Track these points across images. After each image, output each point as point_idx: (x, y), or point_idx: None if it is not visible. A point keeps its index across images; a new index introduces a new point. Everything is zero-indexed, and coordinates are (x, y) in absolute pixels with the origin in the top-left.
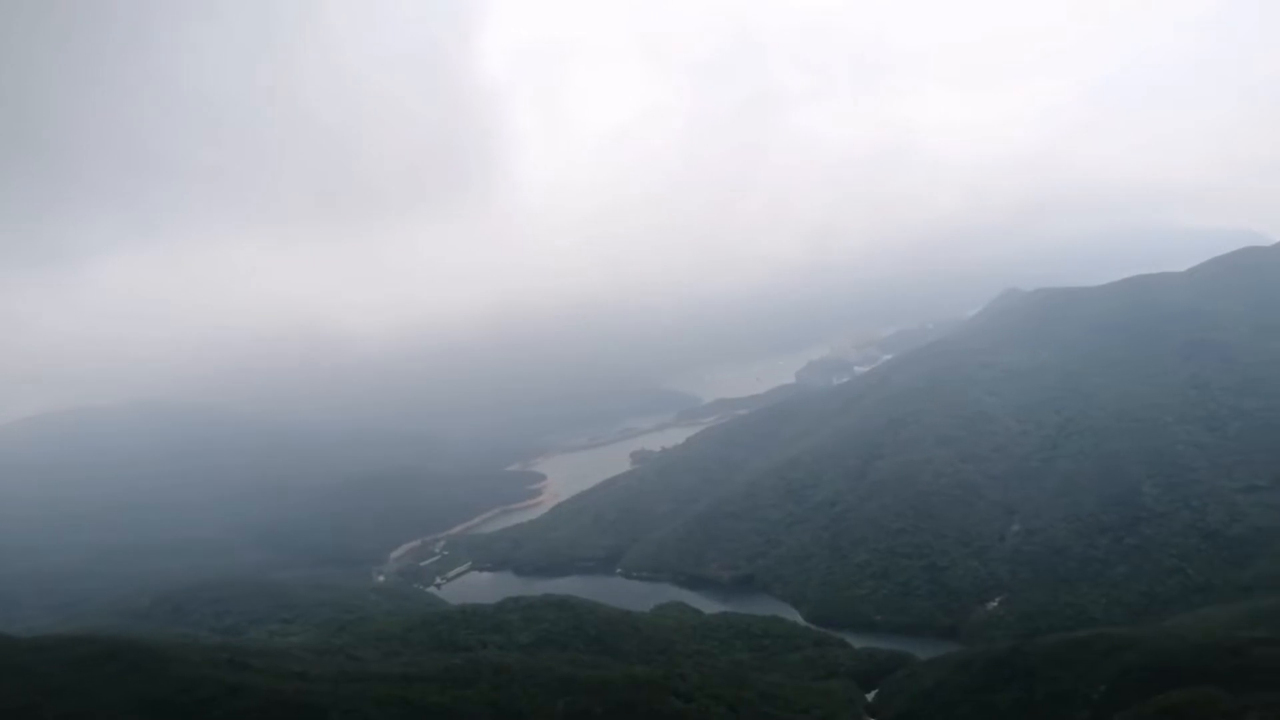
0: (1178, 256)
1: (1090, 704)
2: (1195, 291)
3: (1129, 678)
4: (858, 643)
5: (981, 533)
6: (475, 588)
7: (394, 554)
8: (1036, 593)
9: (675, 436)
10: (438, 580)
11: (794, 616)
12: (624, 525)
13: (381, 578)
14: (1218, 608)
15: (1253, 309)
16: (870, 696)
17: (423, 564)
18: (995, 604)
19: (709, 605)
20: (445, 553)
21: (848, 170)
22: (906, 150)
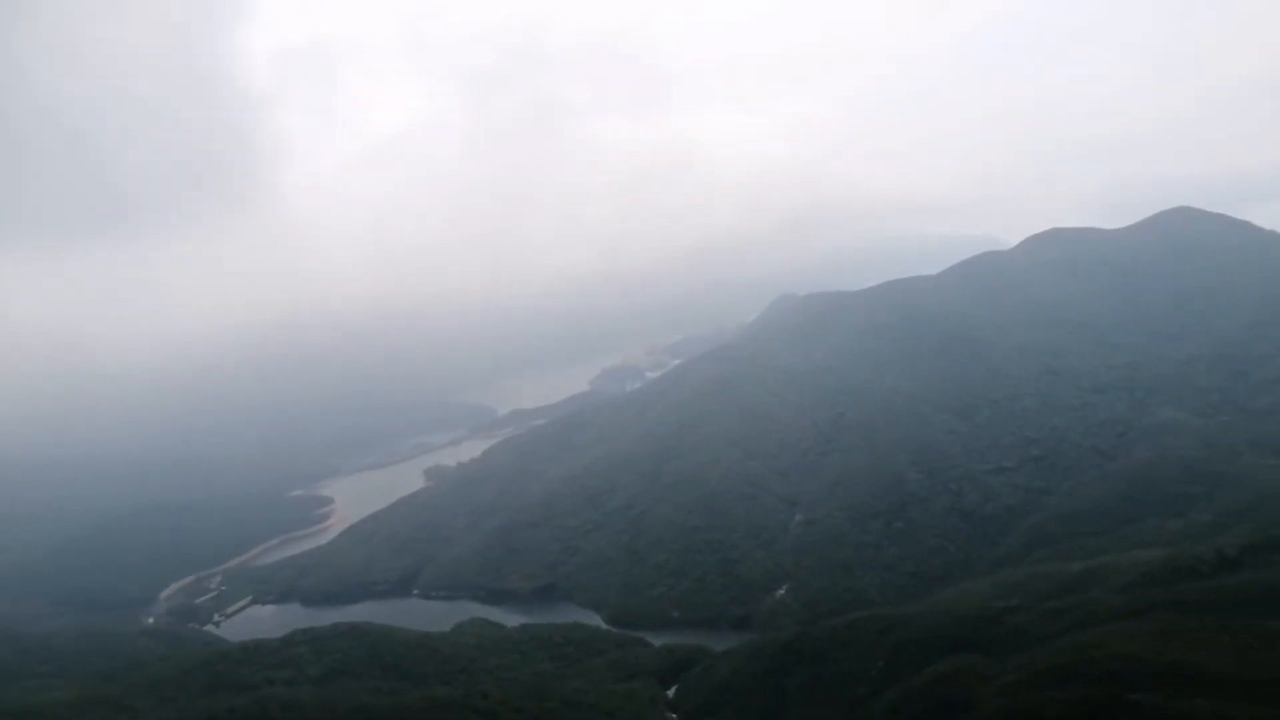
0: (929, 261)
1: (869, 680)
2: (946, 293)
3: (903, 653)
4: (658, 641)
5: (768, 525)
6: (259, 623)
7: (164, 593)
8: (818, 579)
9: (471, 450)
10: (216, 618)
11: (596, 621)
12: (419, 544)
13: (151, 620)
14: (976, 581)
15: (995, 307)
16: (671, 693)
17: (198, 601)
18: (782, 592)
19: (510, 618)
20: (223, 588)
21: (634, 181)
22: (688, 163)
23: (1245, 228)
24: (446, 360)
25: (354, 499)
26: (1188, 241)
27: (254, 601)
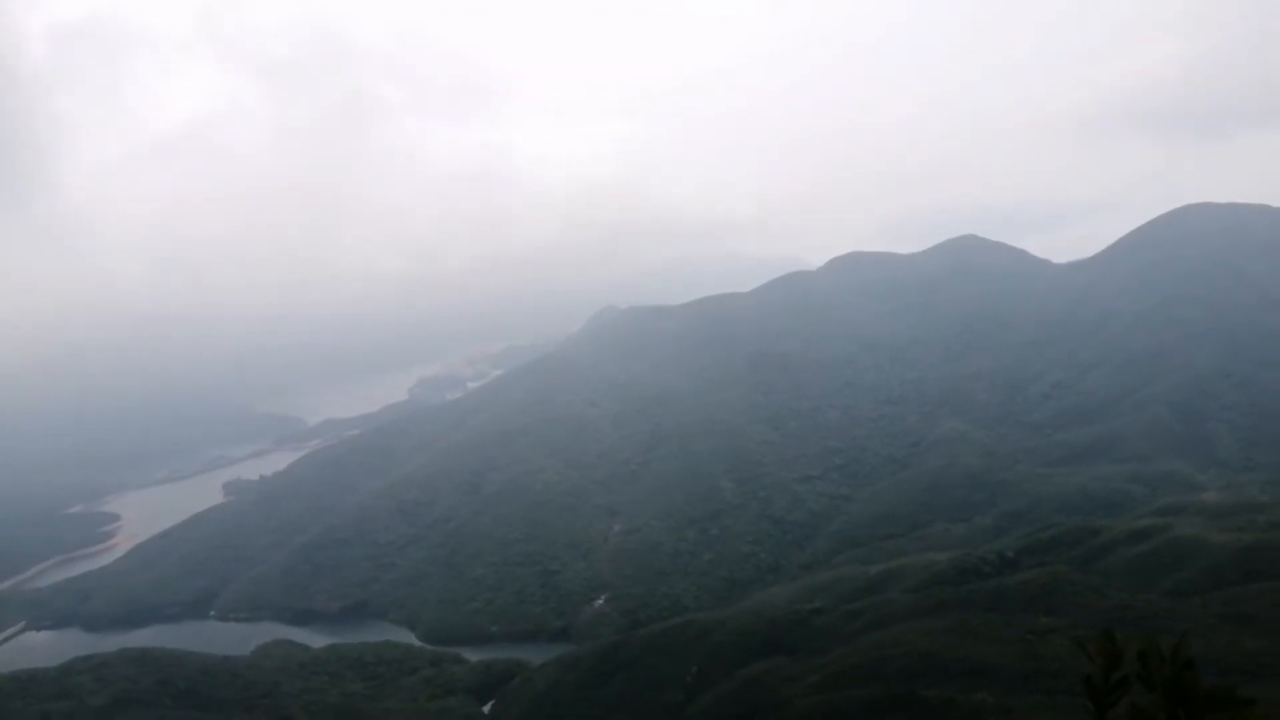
0: (742, 278)
1: (685, 685)
2: (757, 310)
3: (717, 656)
4: (476, 656)
5: (588, 535)
6: (34, 651)
7: None
8: (636, 587)
9: (276, 463)
10: None
11: (410, 639)
12: (218, 564)
13: None
14: (785, 585)
15: (801, 323)
16: (487, 708)
17: None
18: (601, 601)
19: (318, 639)
20: None
21: (454, 187)
22: (510, 172)
23: (1022, 255)
24: (249, 367)
25: (144, 516)
26: (972, 267)
27: (27, 628)
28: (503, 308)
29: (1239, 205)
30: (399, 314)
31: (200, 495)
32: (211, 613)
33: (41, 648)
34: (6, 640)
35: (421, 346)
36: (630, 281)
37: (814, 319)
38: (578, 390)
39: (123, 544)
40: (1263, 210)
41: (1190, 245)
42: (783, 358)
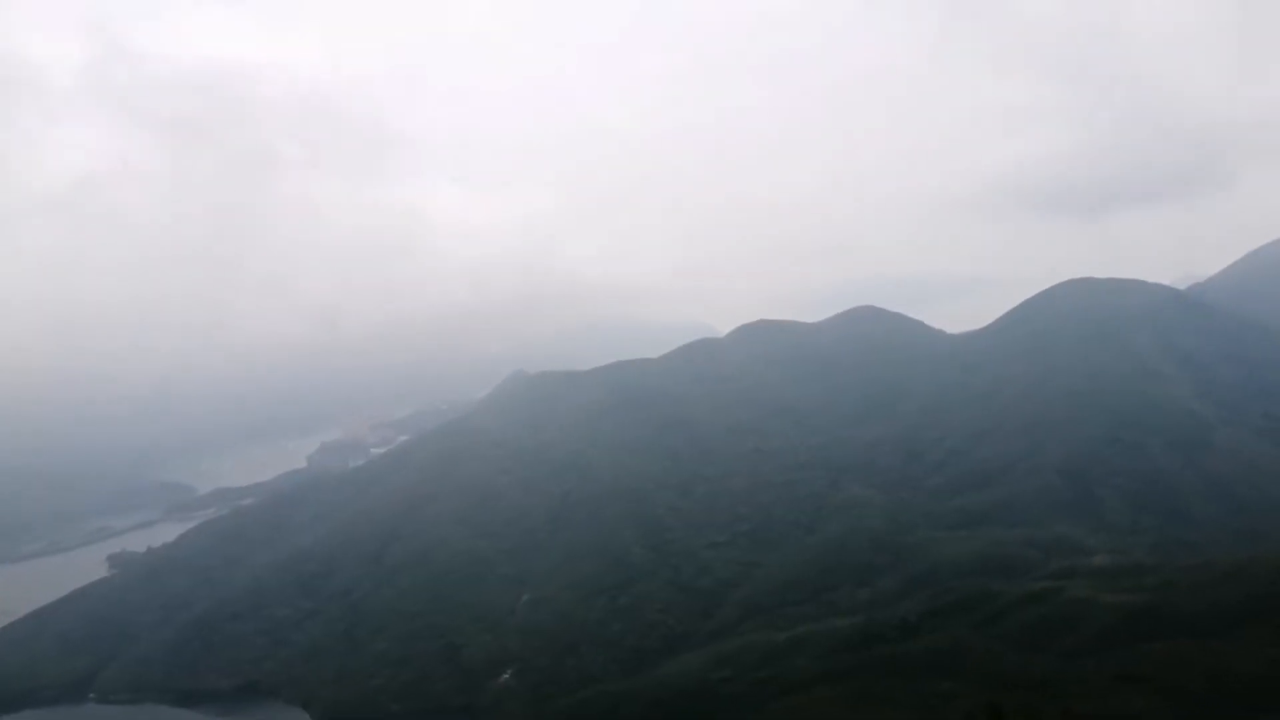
0: (651, 344)
1: None
2: (666, 376)
3: None
4: None
5: (495, 606)
6: None
7: None
8: (544, 659)
9: (165, 534)
10: None
11: (303, 719)
12: (98, 642)
13: None
14: (694, 653)
15: (709, 390)
16: None
17: None
18: (507, 676)
19: None
20: None
21: (359, 249)
22: (417, 236)
23: (919, 325)
24: (136, 433)
25: (13, 592)
26: (872, 336)
27: None
28: (408, 372)
29: (1118, 280)
30: (299, 378)
31: (81, 569)
32: (91, 695)
33: None
34: None
35: (323, 412)
36: (540, 347)
37: (722, 386)
38: (486, 456)
39: None
40: (1139, 285)
41: (1075, 318)
42: (691, 424)
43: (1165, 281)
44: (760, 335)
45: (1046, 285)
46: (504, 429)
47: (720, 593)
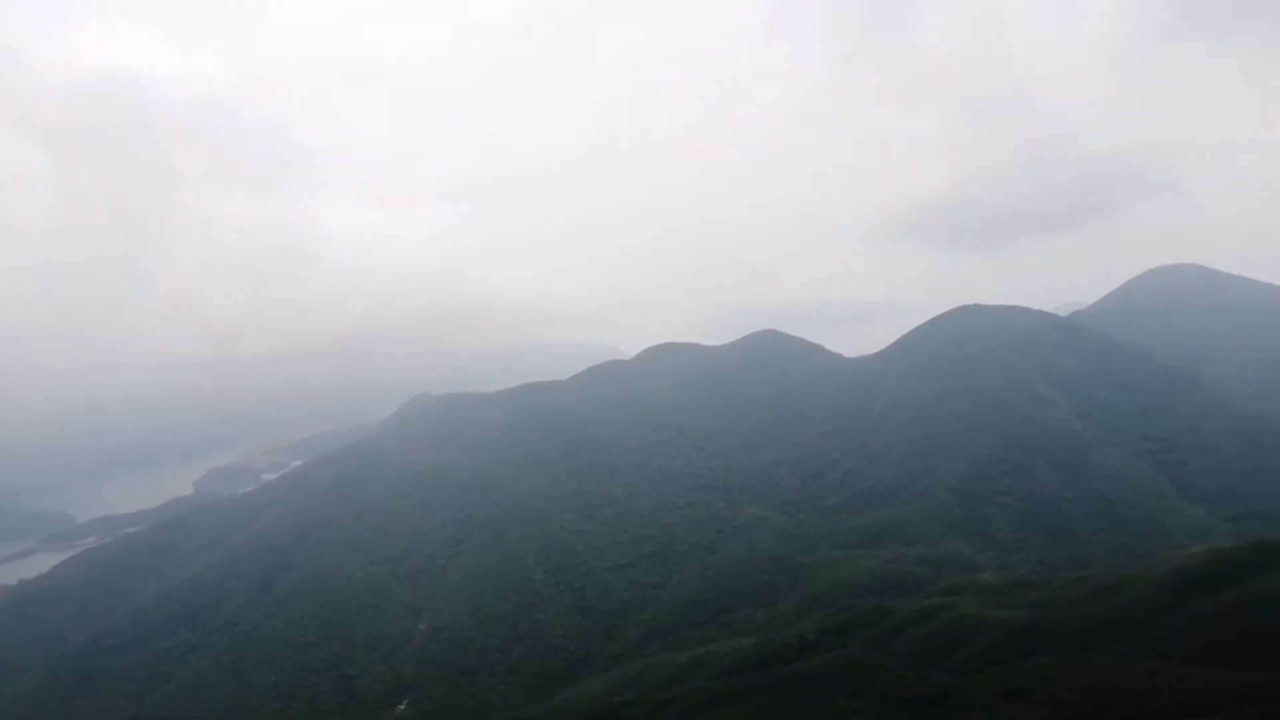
0: (559, 367)
1: None
2: (575, 397)
3: None
4: None
5: (391, 635)
6: None
7: None
8: (441, 688)
9: (40, 564)
10: None
11: None
12: None
13: None
14: (596, 677)
15: (616, 411)
16: None
17: None
18: (403, 706)
19: None
20: None
21: (257, 267)
22: (319, 254)
23: (818, 349)
24: (15, 458)
25: None
26: (773, 360)
27: None
28: (306, 395)
29: (1006, 307)
30: (189, 400)
31: None
32: None
33: None
34: None
35: (213, 436)
36: (445, 369)
37: (628, 407)
38: (385, 480)
39: None
40: (1025, 311)
41: (966, 343)
42: (597, 445)
43: (1050, 308)
44: (666, 357)
45: (939, 311)
46: (405, 451)
47: (623, 615)
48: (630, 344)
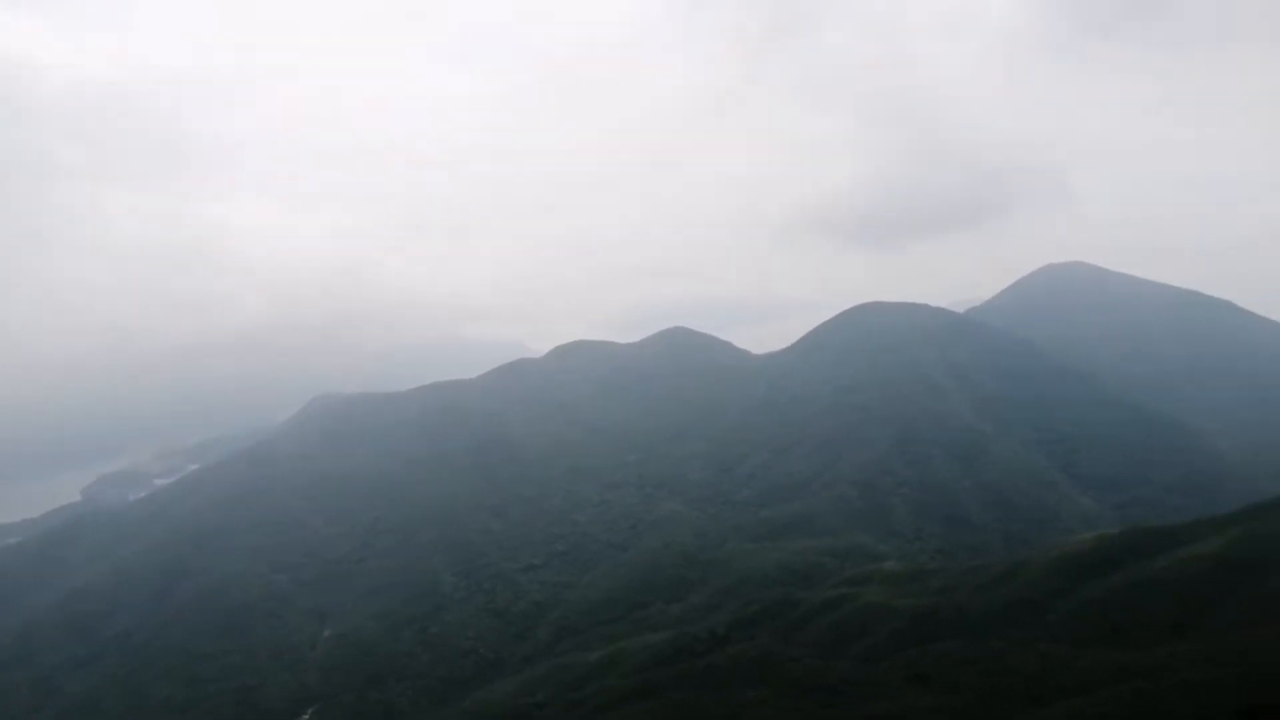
0: (469, 366)
1: None
2: (484, 396)
3: None
4: None
5: (294, 643)
6: None
7: None
8: (348, 695)
9: None
10: None
11: None
12: None
13: None
14: (507, 679)
15: (527, 409)
16: None
17: None
18: (307, 716)
19: None
20: None
21: (152, 264)
22: (217, 251)
23: (728, 346)
24: None
25: None
26: (684, 356)
27: None
28: (201, 396)
29: (906, 303)
30: (76, 404)
31: None
32: None
33: None
34: None
35: (103, 440)
36: (350, 368)
37: (539, 405)
38: (287, 483)
39: None
40: (924, 308)
41: (868, 339)
42: (508, 444)
43: (947, 304)
44: (577, 355)
45: (843, 308)
46: (307, 454)
47: (534, 616)
48: (540, 341)
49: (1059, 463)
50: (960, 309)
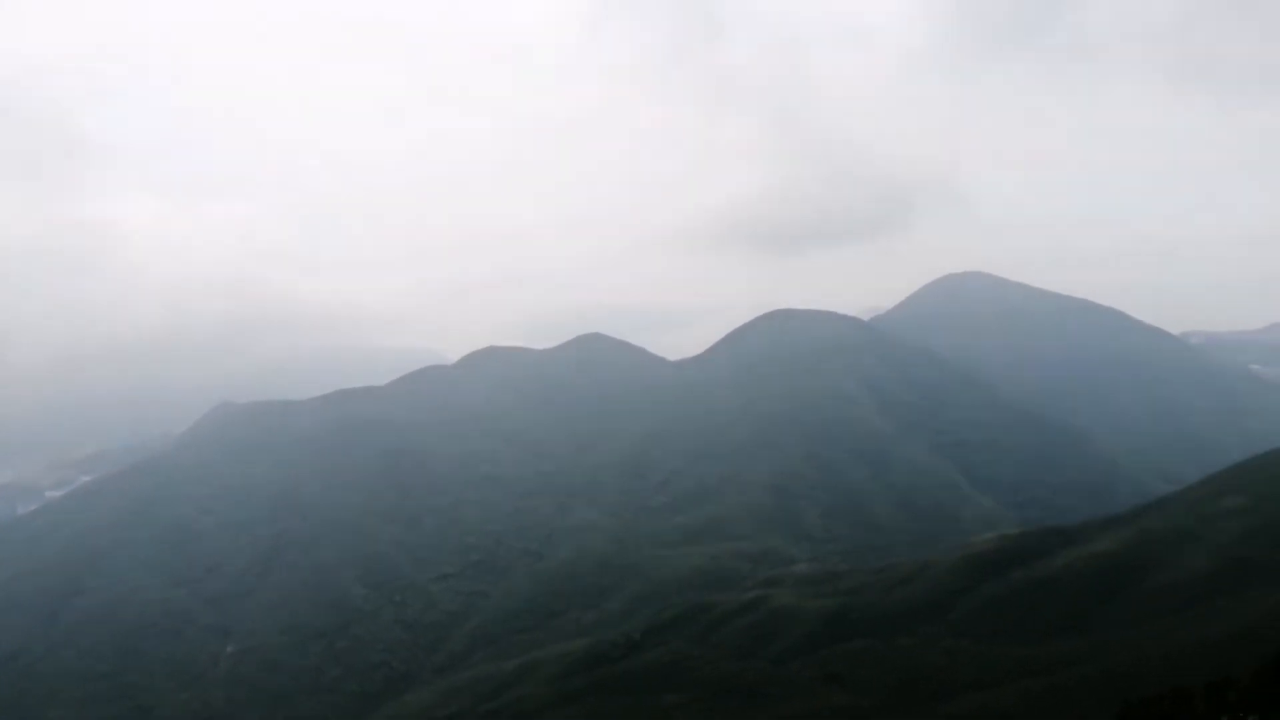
0: (377, 373)
1: None
2: (393, 404)
3: None
4: None
5: (195, 660)
6: None
7: None
8: (252, 713)
9: None
10: None
11: None
12: None
13: None
14: (420, 691)
15: (439, 418)
16: None
17: None
18: None
19: None
20: None
21: (32, 267)
22: (106, 253)
23: (641, 353)
24: None
25: None
26: (599, 363)
27: None
28: (95, 406)
29: (813, 311)
30: None
31: None
32: None
33: None
34: None
35: None
36: (252, 376)
37: (452, 413)
38: (186, 496)
39: None
40: (830, 316)
41: (779, 346)
42: (419, 453)
43: (853, 312)
44: (490, 362)
45: (752, 316)
46: (208, 465)
47: (448, 626)
48: (451, 348)
49: (960, 465)
50: (865, 317)
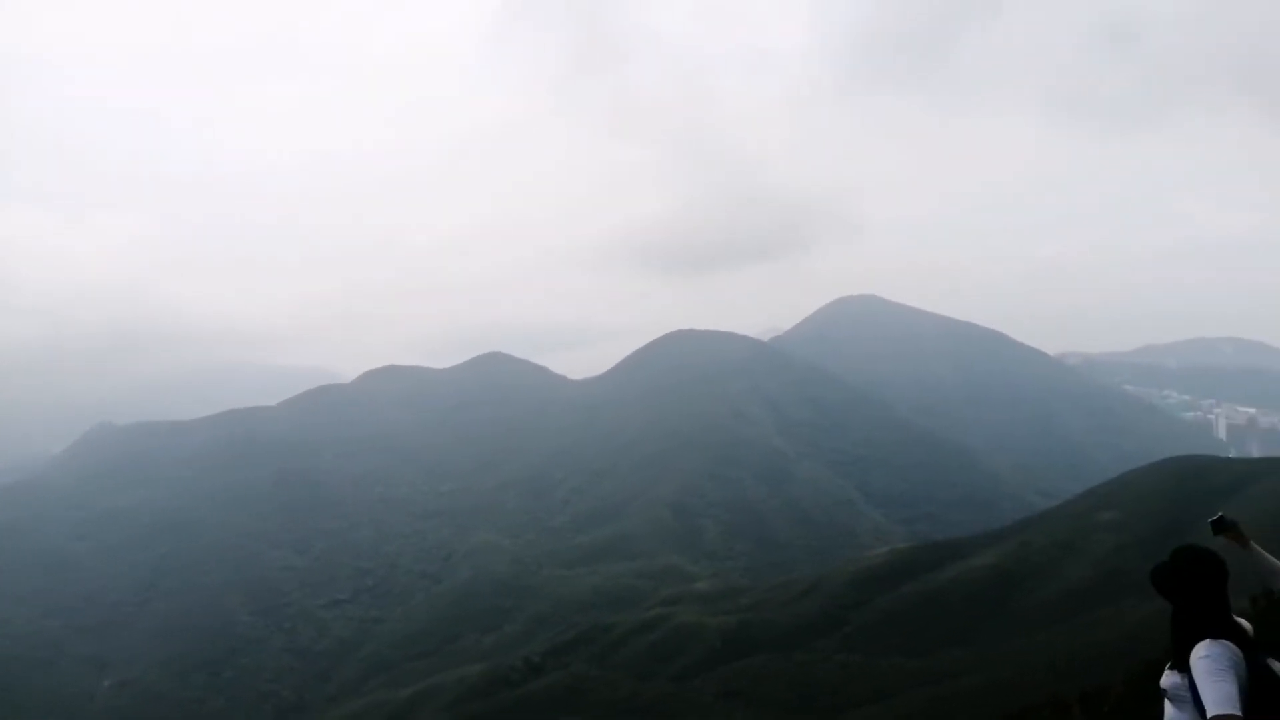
0: (269, 392)
1: None
2: (285, 424)
3: None
4: None
5: (69, 693)
6: None
7: None
8: None
9: None
10: None
11: None
12: None
13: None
14: None
15: (334, 437)
16: None
17: None
18: None
19: None
20: None
21: None
22: None
23: (544, 372)
24: None
25: None
26: (500, 382)
27: None
28: None
29: (714, 331)
30: None
31: None
32: None
33: None
34: None
35: None
36: (129, 395)
37: (347, 433)
38: (59, 521)
39: None
40: (731, 336)
41: (681, 366)
42: (312, 474)
43: (753, 333)
44: (388, 380)
45: (655, 335)
46: (84, 488)
47: (340, 654)
48: (346, 366)
49: (855, 482)
50: (764, 337)
